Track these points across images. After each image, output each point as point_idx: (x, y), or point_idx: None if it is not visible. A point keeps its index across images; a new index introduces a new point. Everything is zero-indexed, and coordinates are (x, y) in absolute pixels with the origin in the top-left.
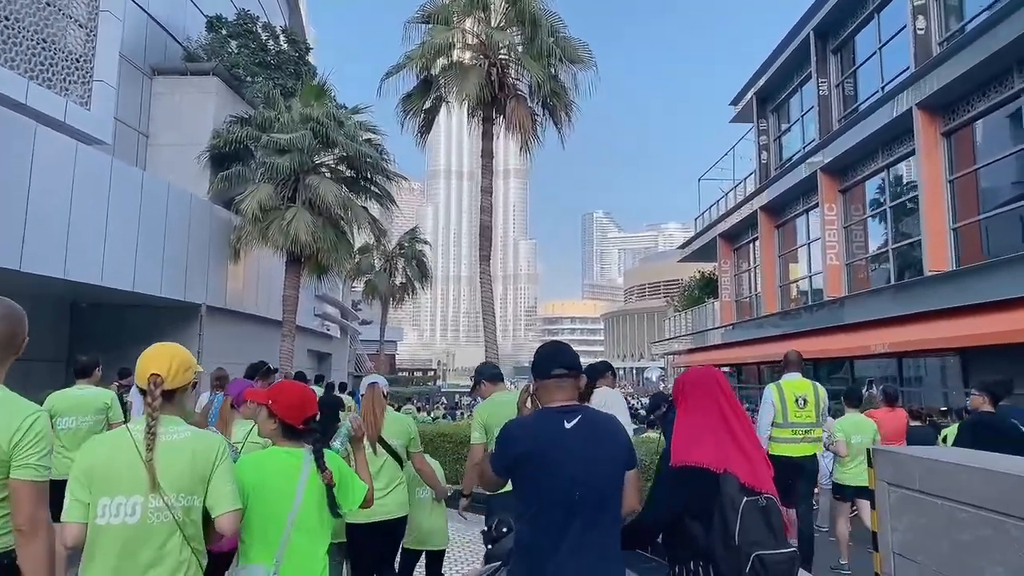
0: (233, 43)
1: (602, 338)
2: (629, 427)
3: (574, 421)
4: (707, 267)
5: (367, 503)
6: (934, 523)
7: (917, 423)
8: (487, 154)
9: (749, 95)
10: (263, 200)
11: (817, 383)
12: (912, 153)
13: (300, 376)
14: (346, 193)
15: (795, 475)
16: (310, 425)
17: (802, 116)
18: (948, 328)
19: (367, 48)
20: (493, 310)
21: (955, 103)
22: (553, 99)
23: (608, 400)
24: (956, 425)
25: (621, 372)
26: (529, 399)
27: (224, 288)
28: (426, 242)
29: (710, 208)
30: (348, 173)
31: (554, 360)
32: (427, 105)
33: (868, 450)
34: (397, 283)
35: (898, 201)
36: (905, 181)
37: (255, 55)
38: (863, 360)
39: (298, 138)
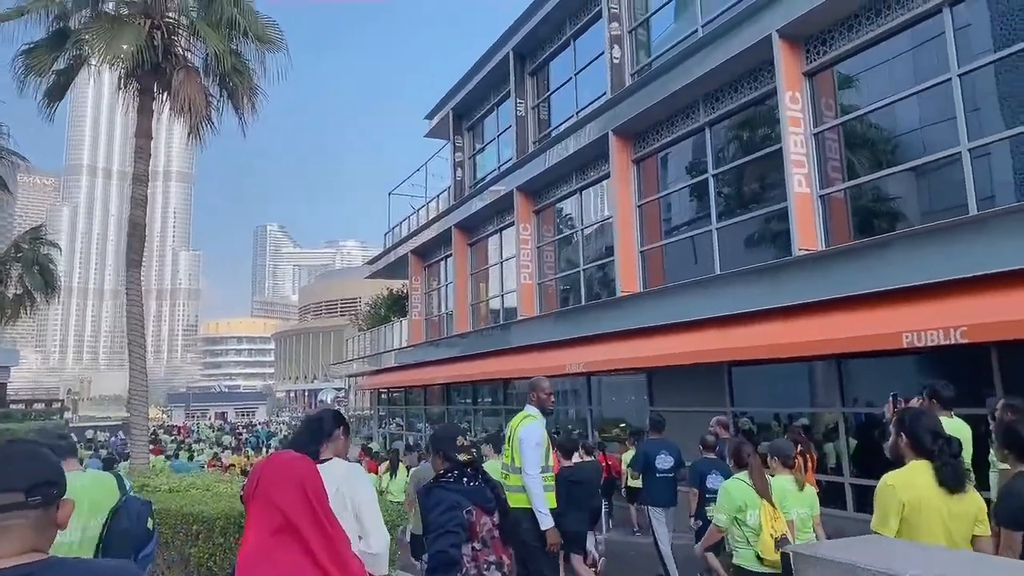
0: None
1: (272, 359)
2: None
3: None
4: (395, 284)
5: None
6: None
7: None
8: (144, 134)
9: (446, 110)
10: None
11: None
12: (606, 176)
13: None
14: None
15: None
16: None
17: (498, 136)
18: (636, 348)
19: None
20: (143, 325)
21: (646, 132)
22: (234, 78)
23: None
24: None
25: (292, 395)
26: None
27: None
28: (54, 244)
29: (400, 224)
30: None
31: None
32: (60, 65)
33: None
34: (10, 295)
35: (592, 225)
36: (596, 205)
37: None
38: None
39: None
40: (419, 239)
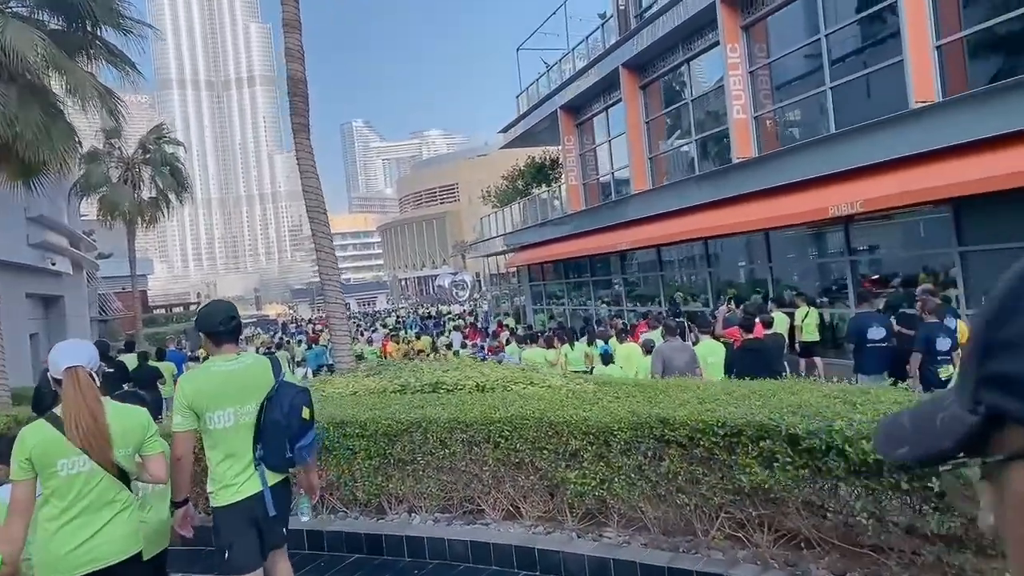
0: None
1: (380, 251)
2: None
3: None
4: (519, 155)
5: None
6: None
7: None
8: None
9: None
10: None
11: None
12: None
13: (101, 345)
14: (54, 49)
15: None
16: None
17: None
18: (939, 173)
19: None
20: (322, 199)
21: None
22: None
23: None
24: None
25: (403, 283)
26: None
27: None
28: (178, 143)
29: (536, 81)
30: (56, 23)
31: None
32: None
33: None
34: (145, 198)
35: (840, 27)
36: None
37: None
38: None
39: None
40: (570, 91)
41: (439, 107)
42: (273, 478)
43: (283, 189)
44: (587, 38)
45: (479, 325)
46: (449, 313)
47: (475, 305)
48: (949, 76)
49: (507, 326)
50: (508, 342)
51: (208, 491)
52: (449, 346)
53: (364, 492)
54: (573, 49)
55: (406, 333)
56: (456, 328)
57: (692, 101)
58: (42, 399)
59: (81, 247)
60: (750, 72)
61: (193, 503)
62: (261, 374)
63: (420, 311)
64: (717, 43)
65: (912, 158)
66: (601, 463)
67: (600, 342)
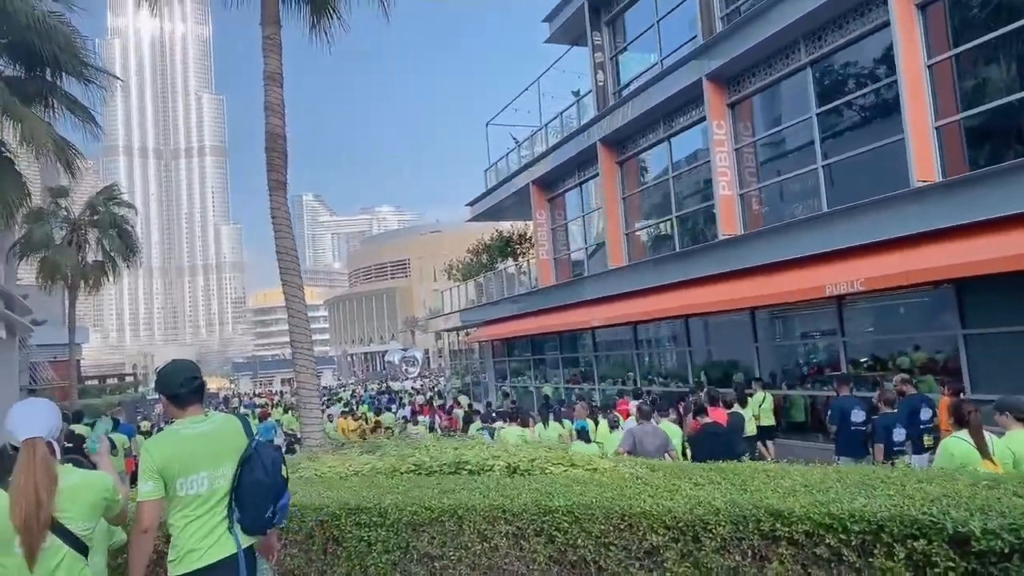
0: None
1: (326, 326)
2: None
3: None
4: (481, 231)
5: None
6: None
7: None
8: (271, 20)
9: (575, 4)
10: None
11: None
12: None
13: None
14: (7, 96)
15: None
16: None
17: (658, 21)
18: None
19: None
20: (297, 260)
21: None
22: None
23: None
24: None
25: (351, 359)
26: None
27: None
28: (129, 204)
29: (506, 156)
30: (12, 71)
31: None
32: None
33: None
34: (90, 261)
35: (827, 105)
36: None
37: None
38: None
39: None
40: (543, 165)
41: (389, 185)
42: (246, 541)
43: (228, 260)
44: (561, 114)
45: (436, 403)
46: (410, 389)
47: (433, 381)
48: (948, 157)
49: (460, 403)
50: (468, 419)
51: (169, 560)
52: (406, 419)
53: None
54: (547, 124)
55: (364, 409)
56: (410, 403)
57: (673, 178)
58: (5, 463)
59: (16, 310)
60: (736, 149)
61: None
62: (234, 434)
63: (369, 387)
64: (701, 119)
65: (914, 237)
66: (687, 563)
67: (568, 422)
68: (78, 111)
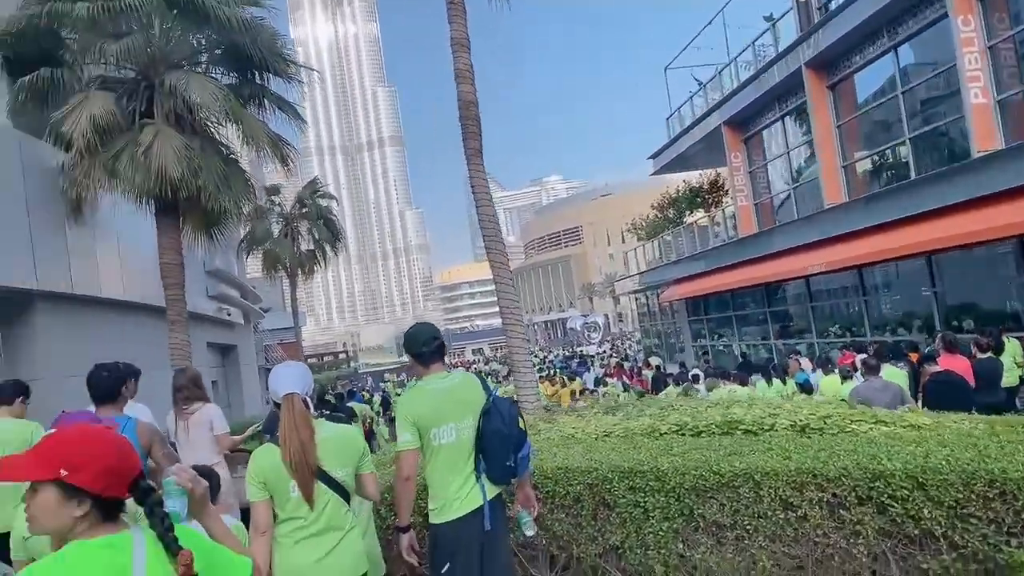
0: None
1: None
2: None
3: None
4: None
5: None
6: None
7: None
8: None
9: None
10: (99, 116)
11: None
12: None
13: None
14: (232, 101)
15: None
16: (140, 488)
17: None
18: None
19: None
20: (499, 229)
21: None
22: None
23: None
24: None
25: (532, 327)
26: None
27: (65, 263)
28: (332, 196)
29: (690, 98)
30: (228, 75)
31: None
32: None
33: None
34: (304, 250)
35: None
36: None
37: None
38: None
39: (147, 5)
40: (735, 104)
41: (553, 155)
42: (492, 491)
43: (414, 243)
44: (753, 43)
45: (625, 365)
46: (595, 354)
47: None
48: None
49: (650, 364)
50: (659, 381)
51: (429, 508)
52: (597, 381)
53: (662, 563)
54: (736, 58)
55: (559, 374)
56: (603, 366)
57: (902, 94)
58: (273, 421)
59: (249, 299)
60: (989, 47)
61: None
62: (474, 389)
63: (553, 353)
64: (941, 17)
65: None
66: None
67: (799, 373)
68: (286, 108)
